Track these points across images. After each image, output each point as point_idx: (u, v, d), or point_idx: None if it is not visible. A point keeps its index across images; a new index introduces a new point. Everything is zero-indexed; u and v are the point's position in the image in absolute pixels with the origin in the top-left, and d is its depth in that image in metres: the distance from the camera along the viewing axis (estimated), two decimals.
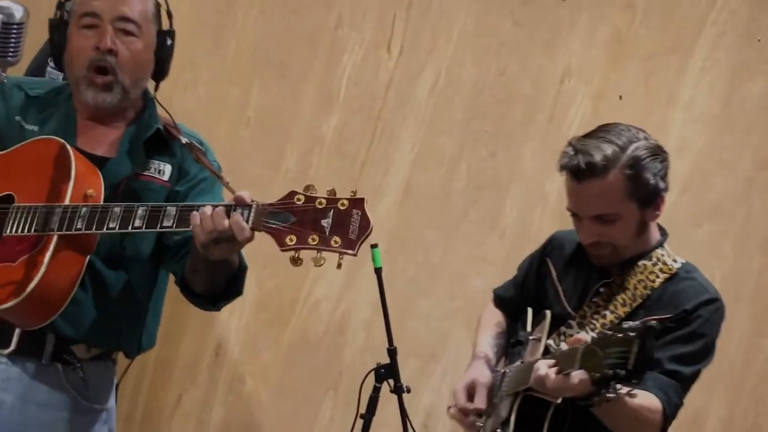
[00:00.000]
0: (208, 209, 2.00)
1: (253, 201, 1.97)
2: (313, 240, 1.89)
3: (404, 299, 3.56)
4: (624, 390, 2.06)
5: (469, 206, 3.66)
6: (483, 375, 2.51)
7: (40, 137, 2.27)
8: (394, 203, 3.72)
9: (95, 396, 2.31)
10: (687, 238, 3.44)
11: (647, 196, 2.32)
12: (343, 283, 3.74)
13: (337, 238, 1.89)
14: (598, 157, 2.26)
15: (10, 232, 2.15)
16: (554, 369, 2.14)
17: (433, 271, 3.63)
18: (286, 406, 3.80)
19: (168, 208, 2.07)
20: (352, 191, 1.98)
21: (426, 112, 3.71)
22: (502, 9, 3.64)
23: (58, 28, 2.32)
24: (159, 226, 2.06)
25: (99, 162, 2.27)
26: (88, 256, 2.16)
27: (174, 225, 2.04)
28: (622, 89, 3.52)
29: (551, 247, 2.59)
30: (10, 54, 1.97)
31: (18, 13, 1.97)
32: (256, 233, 1.97)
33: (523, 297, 2.60)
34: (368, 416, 2.94)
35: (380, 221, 3.55)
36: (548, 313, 2.41)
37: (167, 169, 2.33)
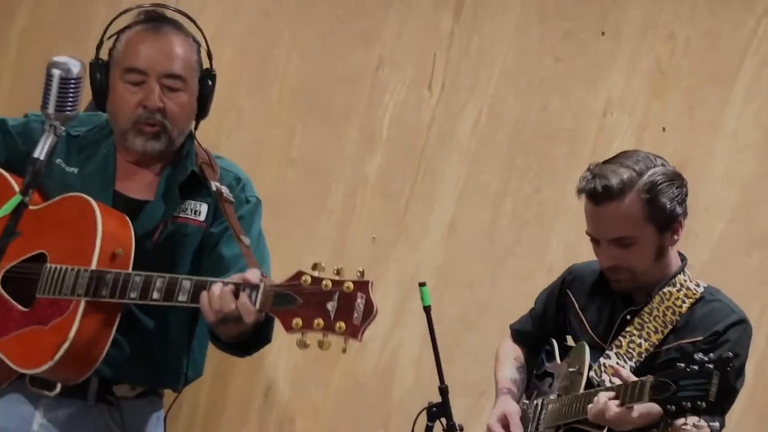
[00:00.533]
0: (216, 289, 2.01)
1: (261, 280, 1.98)
2: (318, 324, 1.90)
3: (452, 336, 3.55)
4: (691, 421, 2.09)
5: (515, 242, 3.66)
6: (512, 407, 2.55)
7: (69, 194, 2.29)
8: (440, 240, 3.73)
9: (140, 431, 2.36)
10: (736, 267, 3.46)
11: (665, 221, 2.34)
12: (390, 321, 3.75)
13: (342, 324, 1.89)
14: (614, 181, 2.30)
15: (42, 293, 2.19)
16: (615, 402, 2.15)
17: (480, 308, 3.62)
18: None
19: (183, 282, 2.09)
20: (359, 271, 1.96)
21: (469, 149, 3.72)
22: (542, 45, 3.67)
23: (99, 71, 2.35)
24: (175, 300, 2.08)
25: (137, 206, 2.31)
26: (119, 313, 2.20)
27: (189, 300, 2.07)
28: (666, 120, 3.52)
29: (570, 278, 2.61)
30: (68, 108, 2.01)
31: (75, 68, 2.00)
32: None
33: (542, 330, 2.64)
34: None
35: (426, 258, 3.68)
36: (586, 345, 2.43)
37: (203, 209, 2.36)
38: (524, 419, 2.58)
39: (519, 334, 2.74)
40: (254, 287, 1.97)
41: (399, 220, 3.78)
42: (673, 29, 3.55)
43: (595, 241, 2.42)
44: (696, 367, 2.04)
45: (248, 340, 2.23)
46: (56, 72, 1.99)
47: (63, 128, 2.07)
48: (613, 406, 2.17)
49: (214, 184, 2.32)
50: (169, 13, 2.49)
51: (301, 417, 3.82)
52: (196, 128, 2.46)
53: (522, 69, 3.70)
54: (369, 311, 1.91)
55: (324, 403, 3.81)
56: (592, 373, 2.39)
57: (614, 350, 2.40)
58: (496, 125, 3.71)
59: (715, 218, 3.49)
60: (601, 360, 2.41)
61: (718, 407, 2.06)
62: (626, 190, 2.32)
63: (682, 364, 2.09)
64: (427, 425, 2.85)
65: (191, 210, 2.34)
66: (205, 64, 2.44)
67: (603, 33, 3.56)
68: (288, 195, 3.83)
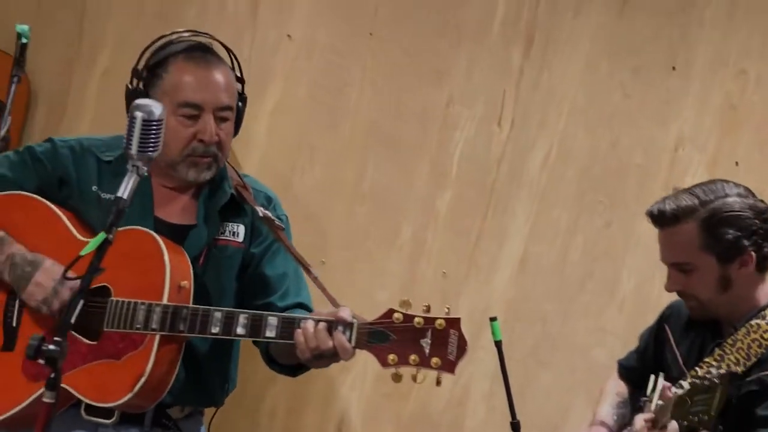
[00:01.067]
0: (310, 327, 2.08)
1: (354, 319, 2.05)
2: (414, 360, 1.99)
3: (523, 371, 3.53)
4: None
5: (586, 277, 3.64)
6: None
7: (129, 228, 2.27)
8: (511, 275, 3.72)
9: None
10: None
11: (727, 251, 2.34)
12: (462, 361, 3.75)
13: (437, 360, 2.00)
14: (670, 207, 2.37)
15: (110, 327, 2.23)
16: (649, 423, 2.19)
17: (552, 343, 3.60)
18: None
19: (269, 318, 2.14)
20: (446, 308, 2.05)
21: (539, 185, 3.71)
22: (611, 81, 3.66)
23: (134, 96, 2.34)
24: (262, 336, 2.15)
25: (180, 231, 2.36)
26: (184, 343, 2.26)
27: (277, 336, 2.13)
28: (738, 156, 3.48)
29: (668, 314, 2.62)
30: (150, 149, 2.02)
31: (157, 110, 2.04)
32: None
33: (645, 365, 2.61)
34: None
35: (497, 293, 3.68)
36: (661, 375, 2.41)
37: (241, 230, 2.40)
38: None
39: (625, 370, 2.75)
40: (348, 325, 2.05)
41: (469, 255, 3.77)
42: (744, 65, 3.52)
43: (667, 266, 2.46)
44: (707, 383, 2.08)
45: (300, 365, 2.29)
46: (139, 114, 2.03)
47: (146, 169, 2.09)
48: (645, 429, 2.21)
49: (261, 210, 2.36)
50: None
51: None
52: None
53: (591, 104, 3.69)
54: (462, 347, 2.01)
55: None
56: (661, 401, 2.39)
57: (689, 379, 2.37)
58: (565, 160, 3.70)
59: None
60: (673, 389, 2.39)
61: (719, 422, 2.11)
62: (681, 217, 2.35)
63: (698, 380, 2.14)
64: None
65: (230, 232, 2.39)
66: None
67: (674, 68, 3.55)
68: (359, 230, 3.86)
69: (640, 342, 2.73)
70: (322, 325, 2.07)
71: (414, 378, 2.00)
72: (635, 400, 2.64)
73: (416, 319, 2.03)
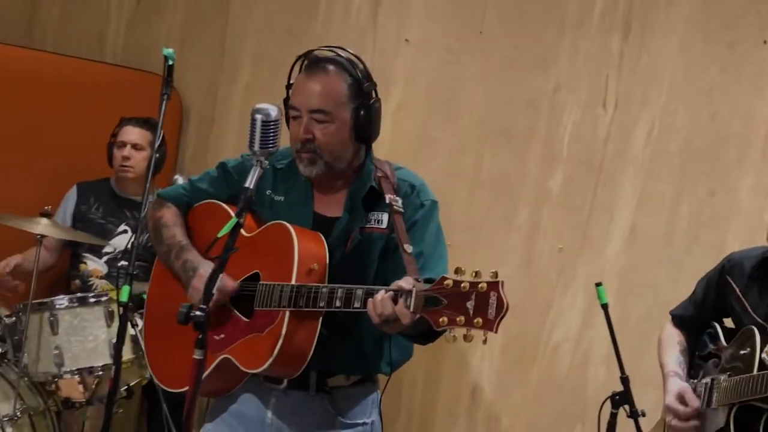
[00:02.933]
0: (378, 296, 2.18)
1: (414, 286, 2.13)
2: (460, 321, 2.05)
3: (638, 335, 3.60)
4: None
5: (693, 243, 3.68)
6: (685, 386, 2.65)
7: (273, 222, 2.45)
8: (621, 246, 3.80)
9: (356, 414, 2.54)
10: None
11: None
12: (581, 323, 3.86)
13: (479, 319, 2.03)
14: None
15: (259, 306, 2.40)
16: None
17: (663, 308, 3.46)
18: None
19: (357, 291, 2.26)
20: (492, 272, 2.09)
21: (644, 160, 3.78)
22: (706, 57, 3.69)
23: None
24: (351, 306, 2.27)
25: (330, 223, 2.47)
26: (321, 318, 2.36)
27: (362, 306, 2.24)
28: None
29: (730, 266, 2.67)
30: (270, 145, 2.24)
31: (273, 112, 2.23)
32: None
33: (702, 314, 2.73)
34: None
35: (609, 264, 3.80)
36: (755, 329, 2.48)
37: (384, 217, 2.48)
38: (698, 396, 2.66)
39: (680, 319, 2.82)
40: (408, 293, 2.13)
41: (582, 230, 3.86)
42: None
43: None
44: None
45: (426, 334, 2.34)
46: (258, 117, 2.23)
47: (267, 162, 2.27)
48: None
49: (388, 197, 2.43)
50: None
51: (505, 415, 3.98)
52: (368, 149, 2.55)
53: (689, 81, 3.72)
54: (501, 307, 2.03)
55: (524, 402, 3.94)
56: (764, 355, 2.43)
57: None
58: (668, 135, 3.75)
59: None
60: None
61: None
62: None
63: None
64: (611, 412, 2.96)
65: (375, 220, 2.48)
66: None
67: (765, 42, 3.56)
68: (479, 213, 4.02)
69: (697, 292, 2.79)
70: (388, 294, 2.17)
71: (465, 338, 2.07)
72: (693, 347, 2.77)
73: (462, 284, 2.08)
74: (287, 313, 2.33)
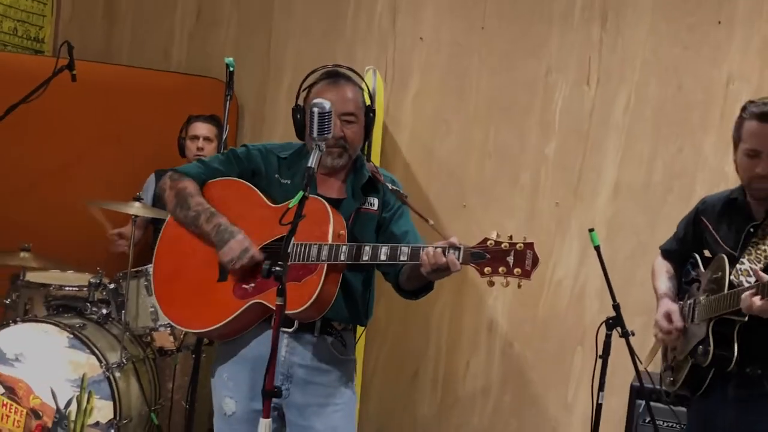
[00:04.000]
0: (431, 250, 2.25)
1: (461, 244, 2.23)
2: (502, 271, 2.21)
3: (625, 272, 3.73)
4: None
5: (667, 193, 3.80)
6: (673, 306, 2.68)
7: (311, 196, 2.35)
8: (608, 199, 3.93)
9: (348, 352, 2.59)
10: None
11: None
12: (577, 264, 3.98)
13: (518, 270, 2.20)
14: None
15: (293, 261, 2.37)
16: (758, 297, 2.28)
17: (644, 248, 3.72)
18: (546, 362, 4.09)
19: (402, 248, 2.33)
20: (524, 237, 2.25)
21: (623, 126, 3.89)
22: (671, 38, 3.81)
23: (298, 113, 2.52)
24: (397, 259, 2.32)
25: (335, 203, 2.48)
26: (341, 273, 2.41)
27: (408, 259, 2.31)
28: None
29: (703, 208, 2.68)
30: (326, 132, 2.27)
31: (327, 105, 2.27)
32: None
33: (685, 248, 2.74)
34: (604, 356, 3.11)
35: (599, 213, 3.89)
36: (725, 256, 2.48)
37: (375, 201, 2.55)
38: (681, 315, 2.66)
39: (668, 253, 2.81)
40: (457, 248, 2.23)
41: (574, 187, 3.99)
42: None
43: (756, 155, 2.41)
44: None
45: (423, 289, 2.46)
46: (315, 110, 2.25)
47: (324, 146, 2.28)
48: (757, 301, 2.27)
49: (390, 187, 2.54)
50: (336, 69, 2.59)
51: (518, 343, 4.13)
52: (365, 145, 2.62)
53: (658, 59, 3.80)
54: (535, 261, 2.20)
55: (533, 332, 4.08)
56: (732, 277, 2.45)
57: (746, 257, 2.45)
58: (642, 104, 3.88)
59: None
60: (737, 266, 2.46)
61: None
62: None
63: None
64: (606, 334, 3.08)
65: (368, 203, 2.54)
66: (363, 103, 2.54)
67: (719, 22, 3.64)
68: (488, 179, 4.13)
69: (678, 230, 2.78)
70: (439, 249, 2.25)
71: (504, 284, 2.22)
72: (680, 275, 2.78)
73: (503, 244, 2.21)
74: (325, 267, 2.37)
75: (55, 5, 4.74)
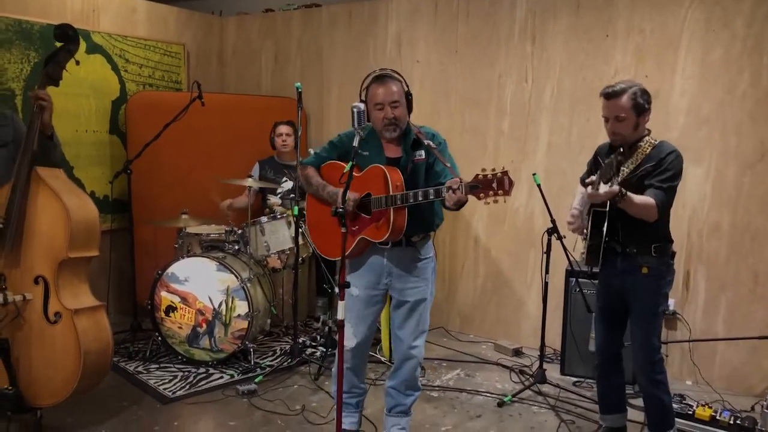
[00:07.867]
0: (444, 190, 2.13)
1: (462, 181, 2.10)
2: (491, 194, 2.04)
3: (558, 198, 3.69)
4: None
5: (581, 148, 3.66)
6: (575, 209, 2.60)
7: (374, 165, 2.33)
8: (543, 154, 3.87)
9: (426, 252, 2.52)
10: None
11: (639, 110, 2.36)
12: (527, 197, 3.95)
13: (501, 191, 2.03)
14: (618, 88, 2.36)
15: (375, 208, 2.34)
16: (590, 187, 2.23)
17: (569, 184, 3.68)
18: (512, 259, 4.01)
19: (431, 190, 2.19)
20: (503, 166, 2.20)
21: (551, 107, 3.80)
22: (577, 49, 3.62)
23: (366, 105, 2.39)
24: (428, 198, 2.21)
25: (396, 161, 2.38)
26: (407, 209, 2.34)
27: (435, 197, 2.19)
28: (645, 73, 3.42)
29: (598, 150, 2.63)
30: (362, 124, 2.22)
31: (362, 106, 2.22)
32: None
33: (590, 173, 2.62)
34: (548, 252, 3.24)
35: (540, 164, 3.85)
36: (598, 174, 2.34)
37: (422, 153, 2.43)
38: (580, 213, 2.56)
39: (581, 180, 2.55)
40: (460, 184, 2.10)
41: (521, 148, 3.92)
42: (642, 27, 3.46)
43: (606, 120, 2.39)
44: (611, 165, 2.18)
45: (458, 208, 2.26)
46: (355, 110, 2.20)
47: (363, 133, 2.24)
48: (589, 189, 2.22)
49: (426, 142, 2.39)
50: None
51: (493, 249, 4.09)
52: (408, 116, 2.47)
53: (570, 63, 3.64)
54: (511, 183, 2.02)
55: (502, 240, 4.05)
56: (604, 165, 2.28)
57: (619, 176, 2.34)
58: (562, 93, 3.70)
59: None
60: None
61: (621, 187, 2.18)
62: (621, 92, 2.33)
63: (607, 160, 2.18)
64: (547, 239, 3.21)
65: (418, 155, 2.44)
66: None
67: (607, 35, 3.48)
68: (466, 147, 4.06)
69: (588, 165, 2.68)
70: (450, 189, 2.13)
71: (494, 201, 2.04)
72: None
73: (487, 175, 2.05)
74: (391, 210, 2.31)
75: (185, 58, 4.75)
